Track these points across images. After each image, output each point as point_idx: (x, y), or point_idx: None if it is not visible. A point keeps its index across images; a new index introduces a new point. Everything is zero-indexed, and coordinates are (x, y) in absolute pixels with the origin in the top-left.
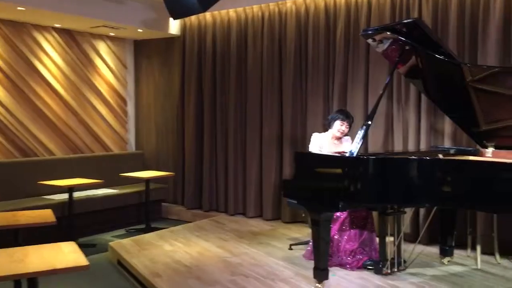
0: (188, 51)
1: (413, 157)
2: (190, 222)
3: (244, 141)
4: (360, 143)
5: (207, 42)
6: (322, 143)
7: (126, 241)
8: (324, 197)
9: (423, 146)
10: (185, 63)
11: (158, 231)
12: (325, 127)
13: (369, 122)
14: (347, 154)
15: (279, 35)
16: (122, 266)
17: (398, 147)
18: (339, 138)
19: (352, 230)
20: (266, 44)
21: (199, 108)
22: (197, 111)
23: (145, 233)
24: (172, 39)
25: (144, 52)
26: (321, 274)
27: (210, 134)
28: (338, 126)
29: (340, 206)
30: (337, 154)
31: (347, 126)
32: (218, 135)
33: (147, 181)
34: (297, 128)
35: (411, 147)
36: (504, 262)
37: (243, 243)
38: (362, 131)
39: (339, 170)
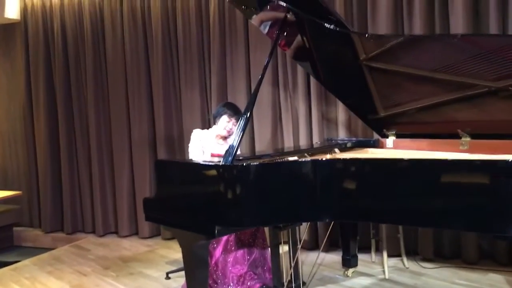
0: (32, 40)
1: (303, 159)
2: (52, 249)
3: (110, 147)
4: (238, 140)
5: (55, 28)
6: (204, 143)
7: None
8: (195, 220)
9: (316, 139)
10: (30, 56)
11: None
12: (204, 123)
13: (248, 115)
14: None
15: (142, 18)
16: None
17: (288, 141)
18: (225, 138)
19: (239, 251)
20: (128, 30)
21: (52, 110)
22: (49, 114)
23: None
24: (11, 25)
25: None
26: None
27: (68, 140)
28: (225, 123)
29: (216, 232)
30: (216, 158)
31: (235, 124)
32: (78, 141)
33: None
34: (172, 126)
35: (302, 140)
36: (412, 265)
37: (108, 277)
38: (241, 125)
39: (210, 183)
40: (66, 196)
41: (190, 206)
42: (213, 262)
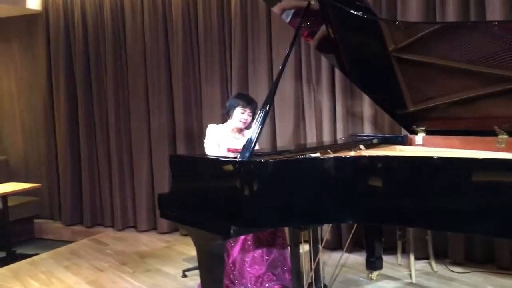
0: (53, 31)
1: (327, 156)
2: (71, 242)
3: (129, 139)
4: (257, 135)
5: (76, 18)
6: (220, 138)
7: None
8: (210, 219)
9: (340, 135)
10: (51, 46)
11: (14, 264)
12: (224, 117)
13: (267, 108)
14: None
15: (162, 7)
16: None
17: (311, 137)
18: (241, 131)
19: (257, 250)
20: (149, 21)
21: (72, 102)
22: (69, 106)
23: (4, 264)
24: (33, 16)
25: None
26: None
27: (87, 132)
28: (239, 115)
29: (232, 232)
30: (232, 154)
31: (250, 114)
32: (98, 133)
33: (3, 197)
34: (192, 119)
35: (326, 136)
36: (441, 269)
37: (125, 273)
38: (260, 119)
39: (227, 180)
40: (86, 189)
41: (205, 204)
42: (230, 261)
